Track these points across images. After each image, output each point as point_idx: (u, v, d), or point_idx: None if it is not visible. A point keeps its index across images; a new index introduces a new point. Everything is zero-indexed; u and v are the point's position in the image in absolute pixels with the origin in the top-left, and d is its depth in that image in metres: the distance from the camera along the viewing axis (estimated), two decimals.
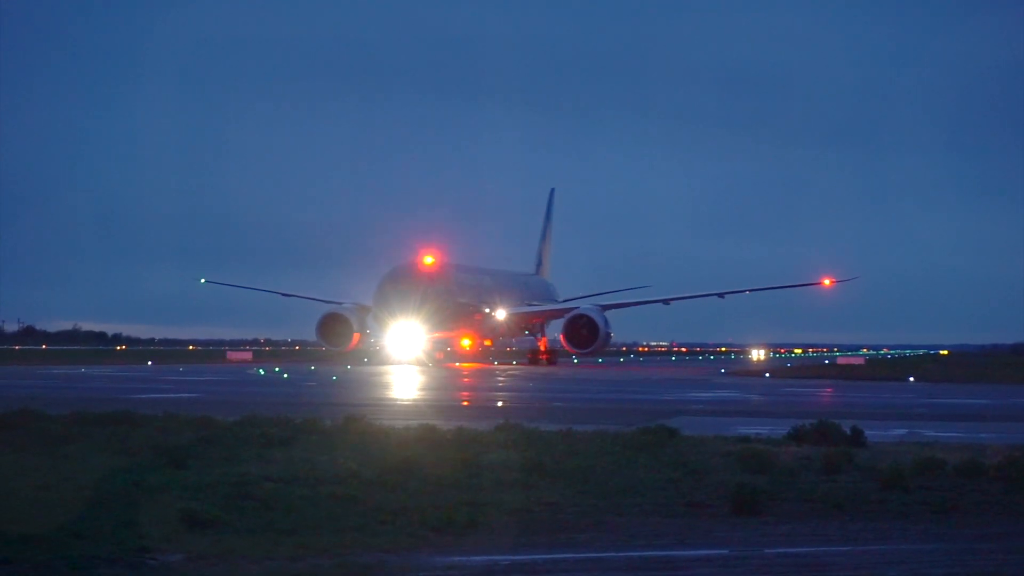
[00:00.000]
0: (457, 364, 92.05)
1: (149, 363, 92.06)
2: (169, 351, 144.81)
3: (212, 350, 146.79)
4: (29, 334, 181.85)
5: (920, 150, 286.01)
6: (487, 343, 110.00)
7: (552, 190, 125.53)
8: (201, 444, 22.09)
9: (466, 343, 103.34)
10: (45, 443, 22.16)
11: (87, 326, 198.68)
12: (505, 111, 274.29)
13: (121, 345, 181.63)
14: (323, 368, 78.34)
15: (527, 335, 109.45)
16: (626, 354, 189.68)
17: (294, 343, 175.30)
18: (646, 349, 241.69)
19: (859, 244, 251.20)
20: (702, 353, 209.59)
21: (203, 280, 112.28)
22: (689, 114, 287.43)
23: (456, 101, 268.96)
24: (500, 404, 39.73)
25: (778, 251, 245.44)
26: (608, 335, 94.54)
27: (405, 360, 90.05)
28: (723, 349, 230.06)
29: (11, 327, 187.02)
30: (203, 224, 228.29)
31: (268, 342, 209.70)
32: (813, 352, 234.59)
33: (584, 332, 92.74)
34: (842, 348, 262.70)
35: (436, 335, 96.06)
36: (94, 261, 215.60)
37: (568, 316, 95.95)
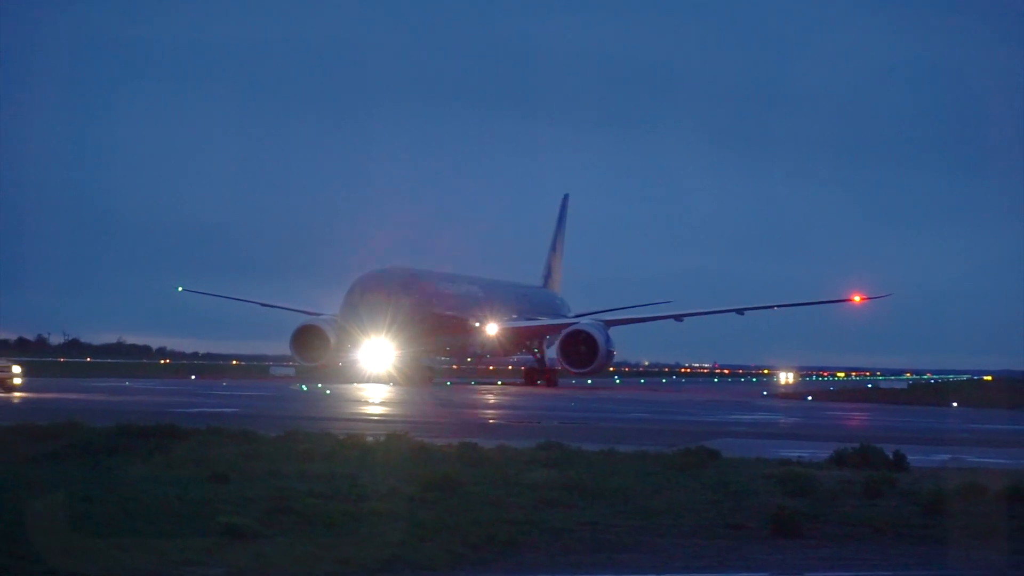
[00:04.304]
0: (423, 383, 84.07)
1: (192, 377, 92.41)
2: (212, 365, 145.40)
3: (255, 365, 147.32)
4: (74, 346, 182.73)
5: (967, 169, 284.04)
6: (478, 359, 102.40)
7: (565, 196, 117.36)
8: (243, 458, 22.21)
9: (449, 359, 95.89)
10: (89, 455, 22.33)
11: (131, 339, 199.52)
12: (519, 120, 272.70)
13: (165, 359, 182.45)
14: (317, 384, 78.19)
15: (529, 352, 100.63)
16: (668, 375, 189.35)
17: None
18: (688, 371, 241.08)
19: (901, 267, 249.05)
20: (744, 375, 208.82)
21: (180, 288, 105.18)
22: (714, 131, 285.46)
23: (467, 110, 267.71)
24: (540, 422, 39.65)
25: (816, 271, 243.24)
26: (610, 353, 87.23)
27: (375, 378, 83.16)
28: (766, 371, 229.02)
29: (56, 339, 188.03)
30: (215, 236, 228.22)
31: None
32: (856, 376, 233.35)
33: (582, 349, 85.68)
34: (885, 372, 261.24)
35: (415, 350, 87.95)
36: (138, 274, 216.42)
37: (564, 332, 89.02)
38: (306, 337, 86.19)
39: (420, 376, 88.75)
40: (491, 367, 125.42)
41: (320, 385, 75.68)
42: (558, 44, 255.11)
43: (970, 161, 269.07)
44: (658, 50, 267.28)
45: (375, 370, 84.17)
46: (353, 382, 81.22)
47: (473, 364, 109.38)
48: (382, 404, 51.90)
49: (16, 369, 55.48)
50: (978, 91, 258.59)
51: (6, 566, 12.86)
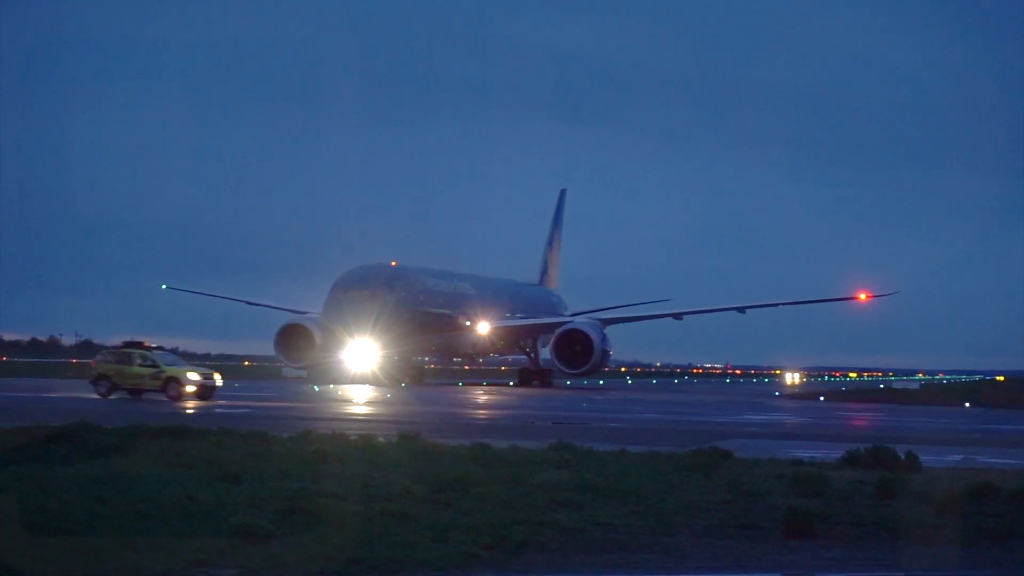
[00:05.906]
0: (405, 384, 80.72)
1: None
2: (225, 366, 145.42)
3: (267, 366, 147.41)
4: (87, 347, 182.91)
5: (979, 169, 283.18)
6: (469, 359, 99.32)
7: (563, 191, 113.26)
8: (255, 459, 22.22)
9: (444, 359, 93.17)
10: (101, 456, 22.35)
11: (143, 339, 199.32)
12: (519, 119, 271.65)
13: None
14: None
15: (523, 352, 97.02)
16: (680, 375, 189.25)
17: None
18: (700, 371, 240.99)
19: (910, 267, 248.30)
20: (756, 376, 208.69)
21: (164, 286, 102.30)
22: (712, 130, 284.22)
23: (476, 109, 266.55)
24: (553, 424, 39.65)
25: (819, 273, 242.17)
26: (605, 352, 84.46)
27: (360, 378, 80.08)
28: (777, 372, 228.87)
29: (69, 340, 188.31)
30: (220, 237, 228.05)
31: None
32: (868, 376, 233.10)
33: (577, 349, 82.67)
34: (897, 373, 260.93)
35: (402, 349, 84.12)
36: (150, 275, 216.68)
37: (559, 331, 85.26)
38: (290, 337, 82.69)
39: (411, 376, 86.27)
40: (503, 367, 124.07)
41: (333, 386, 75.30)
42: (555, 42, 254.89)
43: (971, 161, 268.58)
44: (654, 48, 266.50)
45: (361, 370, 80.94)
46: (336, 383, 78.13)
47: (478, 365, 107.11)
48: (390, 405, 51.90)
49: (217, 378, 51.16)
50: (978, 89, 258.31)
51: (19, 566, 12.89)
